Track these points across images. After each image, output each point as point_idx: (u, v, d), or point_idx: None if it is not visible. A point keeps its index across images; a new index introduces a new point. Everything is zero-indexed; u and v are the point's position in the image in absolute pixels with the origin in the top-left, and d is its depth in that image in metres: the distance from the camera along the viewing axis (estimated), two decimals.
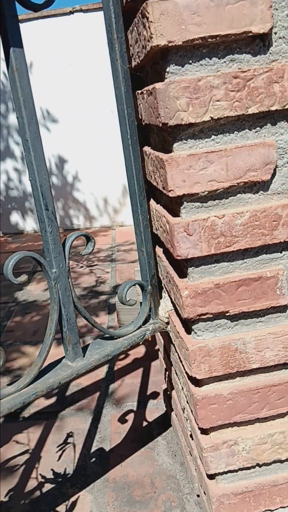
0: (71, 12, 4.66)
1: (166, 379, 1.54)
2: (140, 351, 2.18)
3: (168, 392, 1.54)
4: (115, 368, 2.07)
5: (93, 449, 1.55)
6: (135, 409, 1.76)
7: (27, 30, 4.67)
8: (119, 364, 2.10)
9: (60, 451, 1.55)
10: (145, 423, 1.66)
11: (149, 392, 1.85)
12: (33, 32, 4.71)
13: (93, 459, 1.50)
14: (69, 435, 1.63)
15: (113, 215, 5.36)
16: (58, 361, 0.98)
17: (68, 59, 4.75)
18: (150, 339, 1.08)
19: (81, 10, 4.61)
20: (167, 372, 1.48)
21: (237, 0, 0.74)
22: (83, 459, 1.51)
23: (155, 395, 1.82)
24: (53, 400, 1.87)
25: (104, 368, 2.07)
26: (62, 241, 0.91)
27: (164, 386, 1.67)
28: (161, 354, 1.62)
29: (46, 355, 0.89)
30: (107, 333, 1.02)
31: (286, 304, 0.91)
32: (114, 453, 1.52)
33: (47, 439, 1.62)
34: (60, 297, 0.91)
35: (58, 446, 1.58)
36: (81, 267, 3.84)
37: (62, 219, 5.47)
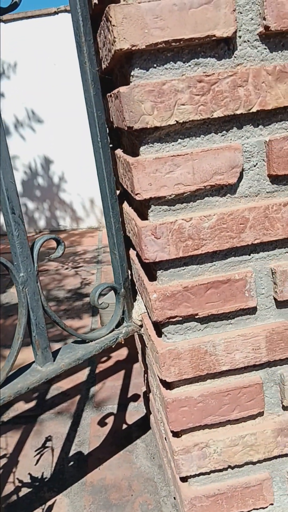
0: (55, 13, 4.64)
1: (145, 381, 1.54)
2: (123, 353, 2.18)
3: (147, 394, 1.54)
4: (97, 371, 2.06)
5: (72, 452, 1.55)
6: (115, 412, 1.75)
7: (11, 30, 4.65)
8: (101, 367, 2.09)
9: (38, 455, 1.54)
10: (124, 426, 1.66)
11: (130, 394, 1.85)
12: (17, 32, 4.69)
13: (71, 463, 1.49)
14: (48, 439, 1.62)
15: (100, 216, 5.36)
16: (28, 365, 0.97)
17: (53, 59, 4.74)
18: (123, 342, 1.08)
19: (65, 11, 4.60)
20: (145, 375, 1.48)
21: (200, 4, 0.74)
22: (61, 463, 1.50)
23: (136, 397, 1.82)
24: (32, 404, 1.86)
25: (86, 371, 2.07)
26: (30, 245, 0.91)
27: (144, 388, 1.67)
28: (140, 356, 1.62)
29: (14, 360, 0.88)
30: (79, 336, 1.02)
31: (255, 306, 0.91)
32: (92, 456, 1.52)
33: (26, 443, 1.61)
34: (29, 301, 0.91)
35: (36, 450, 1.57)
36: (66, 268, 3.83)
37: (48, 221, 5.45)
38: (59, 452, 1.55)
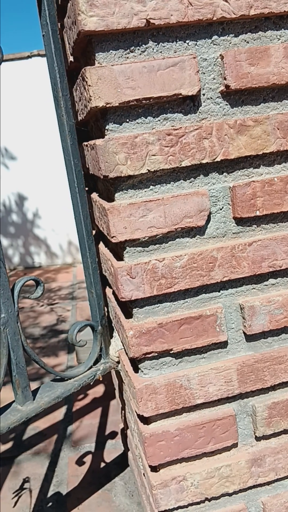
0: (29, 57, 4.80)
1: (123, 418, 1.55)
2: (99, 390, 2.18)
3: (125, 431, 1.55)
4: (74, 409, 2.05)
5: (50, 493, 1.53)
6: (93, 450, 1.75)
7: None
8: (78, 405, 2.09)
9: (16, 497, 1.52)
10: (103, 464, 1.65)
11: (107, 432, 1.85)
12: None
13: (50, 504, 1.48)
14: (26, 480, 1.60)
15: (75, 252, 5.39)
16: (9, 405, 0.99)
17: (27, 99, 4.86)
18: (101, 379, 1.10)
19: (38, 55, 4.76)
20: (123, 411, 1.50)
21: (167, 66, 0.83)
22: (39, 505, 1.48)
23: (113, 434, 1.82)
24: (9, 445, 1.83)
25: (63, 410, 2.06)
26: (11, 286, 0.94)
27: (122, 425, 1.68)
28: (117, 393, 1.64)
29: None
30: (58, 375, 1.04)
31: (226, 340, 0.96)
32: (71, 496, 1.50)
33: (3, 485, 1.59)
34: (9, 341, 0.93)
35: (14, 492, 1.54)
36: (42, 305, 3.82)
37: (22, 257, 5.45)
38: (37, 493, 1.53)
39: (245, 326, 0.96)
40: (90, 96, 0.81)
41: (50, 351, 2.78)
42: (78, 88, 0.95)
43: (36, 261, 5.46)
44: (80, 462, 1.69)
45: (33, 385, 1.07)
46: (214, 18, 0.83)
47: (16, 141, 5.01)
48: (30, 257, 5.46)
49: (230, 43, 0.86)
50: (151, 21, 0.80)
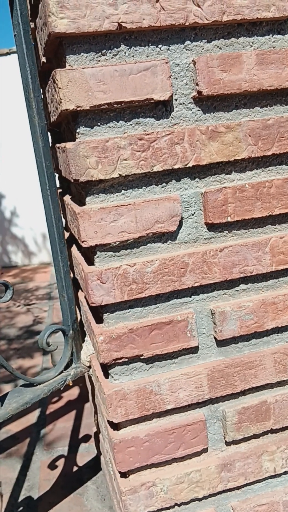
0: (7, 53, 4.74)
1: (96, 421, 1.54)
2: (74, 392, 2.16)
3: (98, 435, 1.54)
4: (48, 412, 2.03)
5: (21, 498, 1.51)
6: (66, 454, 1.73)
7: None
8: (52, 407, 2.07)
9: None
10: (75, 468, 1.64)
11: (81, 435, 1.84)
12: None
13: (21, 508, 1.46)
14: None
15: None
16: None
17: (4, 97, 4.80)
18: (71, 384, 1.09)
19: None
20: (96, 415, 1.49)
21: (139, 71, 0.82)
22: (10, 509, 1.46)
23: (87, 438, 1.80)
24: None
25: (36, 412, 2.03)
26: None
27: (95, 428, 1.67)
28: (90, 396, 1.63)
29: None
30: (27, 380, 1.02)
31: (197, 345, 0.96)
32: (42, 501, 1.48)
33: None
34: None
35: None
36: (18, 306, 3.78)
37: None
38: (8, 497, 1.51)
39: (216, 331, 0.96)
40: (61, 99, 0.80)
41: (25, 353, 2.74)
42: (49, 89, 0.93)
43: (13, 260, 5.40)
44: (52, 465, 1.67)
45: (7, 388, 1.05)
46: (187, 24, 0.82)
47: None
48: (7, 256, 5.39)
49: (203, 48, 0.86)
50: (123, 24, 0.79)
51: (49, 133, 1.22)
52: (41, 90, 0.99)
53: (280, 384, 1.03)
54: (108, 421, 0.97)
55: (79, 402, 2.08)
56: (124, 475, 0.99)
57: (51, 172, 1.02)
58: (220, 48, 0.86)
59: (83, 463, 1.66)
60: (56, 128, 1.06)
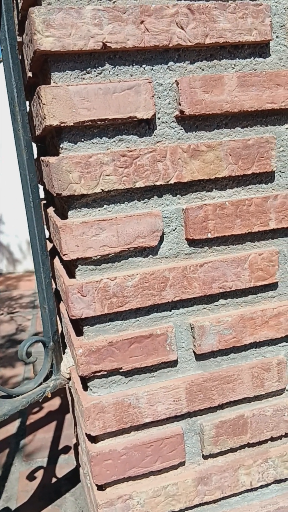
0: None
1: (75, 433, 1.54)
2: (55, 403, 2.15)
3: (78, 447, 1.53)
4: (28, 422, 2.02)
5: None
6: (45, 465, 1.72)
7: None
8: (32, 418, 2.05)
9: None
10: (54, 480, 1.63)
11: (61, 446, 1.82)
12: None
13: None
14: None
15: None
16: None
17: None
18: (50, 396, 1.09)
19: None
20: (75, 427, 1.48)
21: (123, 89, 0.84)
22: None
23: (66, 449, 1.79)
24: None
25: (16, 423, 2.02)
26: None
27: (74, 440, 1.66)
28: (71, 408, 1.62)
29: None
30: (5, 391, 1.02)
31: (176, 359, 0.97)
32: None
33: None
34: None
35: None
36: (1, 314, 3.75)
37: None
38: None
39: (195, 345, 0.97)
40: (45, 114, 0.81)
41: (7, 362, 2.72)
42: (34, 104, 0.94)
43: None
44: (31, 477, 1.66)
45: None
46: (170, 45, 0.84)
47: None
48: None
49: (186, 69, 0.88)
50: (108, 44, 0.81)
51: (34, 145, 1.23)
52: (26, 103, 1.00)
53: (257, 398, 1.04)
54: (86, 433, 0.97)
55: (60, 413, 2.06)
56: (101, 488, 0.99)
57: (34, 184, 1.03)
58: (203, 70, 0.89)
59: (62, 474, 1.65)
60: (40, 143, 1.07)
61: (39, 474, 1.67)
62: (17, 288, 4.60)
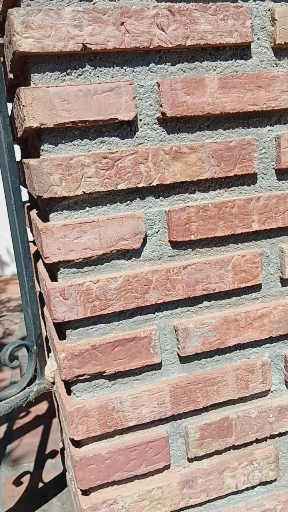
0: None
1: (62, 437, 1.52)
2: (42, 407, 2.13)
3: (64, 451, 1.52)
4: (14, 427, 2.00)
5: None
6: (32, 470, 1.70)
7: None
8: (19, 422, 2.03)
9: None
10: (41, 485, 1.61)
11: (48, 450, 1.81)
12: None
13: None
14: None
15: None
16: None
17: None
18: (33, 401, 1.08)
19: None
20: (61, 431, 1.47)
21: (104, 91, 0.83)
22: None
23: (53, 453, 1.78)
24: None
25: (2, 428, 1.99)
26: None
27: (61, 444, 1.65)
28: (57, 412, 1.61)
29: None
30: None
31: (160, 362, 0.97)
32: None
33: None
34: None
35: None
36: None
37: None
38: None
39: (179, 348, 0.97)
40: (24, 116, 0.80)
41: None
42: (15, 105, 0.93)
43: None
44: (17, 482, 1.64)
45: None
46: (151, 47, 0.84)
47: None
48: None
49: (167, 71, 0.88)
50: (88, 45, 0.80)
51: (18, 147, 1.22)
52: (9, 105, 0.99)
53: (242, 400, 1.04)
54: (69, 438, 0.97)
55: (47, 417, 2.05)
56: (85, 492, 0.98)
57: (16, 187, 1.02)
58: (184, 71, 0.89)
59: (48, 479, 1.63)
60: (23, 145, 1.06)
61: (26, 479, 1.65)
62: (4, 291, 4.56)
